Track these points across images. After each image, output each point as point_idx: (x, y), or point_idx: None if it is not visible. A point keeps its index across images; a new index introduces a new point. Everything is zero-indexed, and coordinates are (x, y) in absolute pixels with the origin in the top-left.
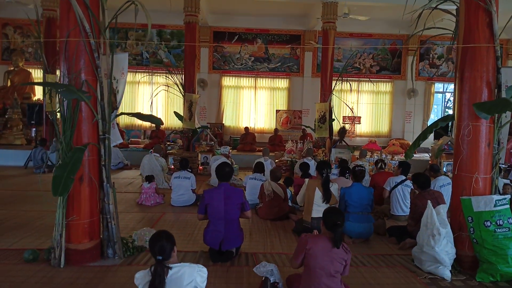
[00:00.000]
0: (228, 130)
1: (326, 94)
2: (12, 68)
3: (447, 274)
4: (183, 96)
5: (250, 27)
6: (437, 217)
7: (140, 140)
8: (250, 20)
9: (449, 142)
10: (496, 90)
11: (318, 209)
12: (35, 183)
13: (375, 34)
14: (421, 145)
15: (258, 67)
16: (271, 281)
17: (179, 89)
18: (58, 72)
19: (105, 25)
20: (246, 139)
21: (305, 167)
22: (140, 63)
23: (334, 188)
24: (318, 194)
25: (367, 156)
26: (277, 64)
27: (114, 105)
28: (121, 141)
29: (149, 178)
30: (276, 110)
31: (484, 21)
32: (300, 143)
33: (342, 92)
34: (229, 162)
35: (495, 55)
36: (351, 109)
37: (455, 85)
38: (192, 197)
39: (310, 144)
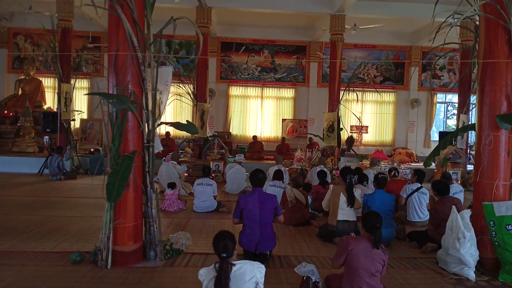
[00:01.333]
0: (235, 138)
1: (334, 104)
2: (23, 77)
3: (471, 275)
4: (195, 105)
5: (257, 38)
6: (461, 222)
7: None
8: (257, 31)
9: (454, 152)
10: None
11: (343, 213)
12: (55, 190)
13: (378, 45)
14: (424, 154)
15: (264, 77)
16: (313, 280)
17: (191, 98)
18: (72, 81)
19: (150, 40)
20: (255, 147)
21: (322, 174)
22: None
23: (357, 193)
24: (342, 198)
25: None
26: (283, 74)
27: (157, 115)
28: (162, 148)
29: (172, 185)
30: (282, 119)
31: (504, 38)
32: (308, 151)
33: (347, 102)
34: (262, 170)
35: None
36: (359, 119)
37: (476, 98)
38: (214, 204)
39: (318, 152)
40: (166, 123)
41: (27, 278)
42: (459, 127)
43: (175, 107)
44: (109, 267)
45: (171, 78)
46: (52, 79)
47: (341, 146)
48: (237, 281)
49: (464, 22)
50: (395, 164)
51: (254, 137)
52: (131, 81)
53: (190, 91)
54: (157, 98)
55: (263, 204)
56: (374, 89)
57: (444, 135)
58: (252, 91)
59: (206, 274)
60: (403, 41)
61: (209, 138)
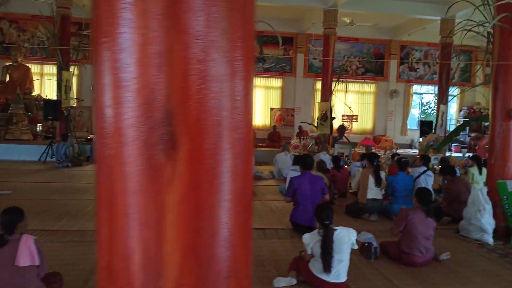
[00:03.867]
0: None
1: (327, 94)
2: (11, 63)
3: (490, 240)
4: None
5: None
6: (481, 196)
7: None
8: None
9: (435, 139)
10: None
11: (371, 192)
12: (72, 176)
13: (361, 38)
14: (405, 142)
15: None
16: (374, 246)
17: None
18: (71, 69)
19: None
20: None
21: (337, 160)
22: None
23: (382, 175)
24: (371, 180)
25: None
26: (271, 64)
27: None
28: None
29: None
30: (271, 108)
31: None
32: (298, 139)
33: (335, 92)
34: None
35: None
36: (350, 108)
37: (491, 94)
38: None
39: (312, 140)
40: None
41: None
42: (439, 116)
43: None
44: None
45: None
46: (39, 65)
47: (333, 134)
48: (338, 243)
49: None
50: (394, 150)
51: None
52: None
53: None
54: None
55: (313, 184)
56: (363, 81)
57: (424, 124)
58: (260, 81)
59: (311, 239)
60: (383, 35)
61: None
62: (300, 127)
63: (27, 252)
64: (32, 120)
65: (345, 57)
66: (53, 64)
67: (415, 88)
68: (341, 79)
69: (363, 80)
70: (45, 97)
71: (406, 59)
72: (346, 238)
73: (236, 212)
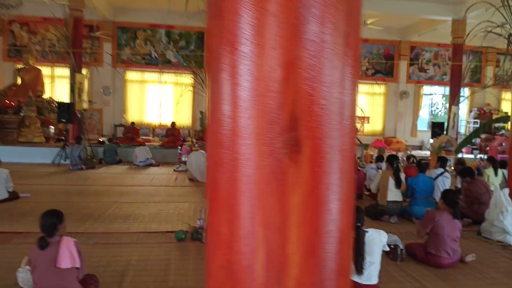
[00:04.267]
0: None
1: None
2: (22, 66)
3: None
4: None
5: None
6: (504, 198)
7: (150, 138)
8: None
9: (447, 140)
10: None
11: (391, 194)
12: (88, 179)
13: (370, 39)
14: (415, 143)
15: None
16: (400, 248)
17: (203, 88)
18: (84, 71)
19: None
20: None
21: None
22: (148, 63)
23: (402, 176)
24: (391, 181)
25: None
26: None
27: None
28: None
29: None
30: None
31: None
32: None
33: None
34: None
35: None
36: (361, 110)
37: None
38: None
39: None
40: None
41: (153, 255)
42: (451, 118)
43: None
44: None
45: None
46: (50, 68)
47: None
48: (369, 245)
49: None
50: (409, 152)
51: None
52: None
53: (202, 82)
54: None
55: None
56: (375, 82)
57: (435, 125)
58: None
59: None
60: (393, 36)
61: None
62: None
63: (68, 254)
64: (44, 122)
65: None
66: (64, 66)
67: (425, 89)
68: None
69: (375, 82)
70: (56, 100)
71: (416, 60)
72: (377, 240)
73: (345, 211)
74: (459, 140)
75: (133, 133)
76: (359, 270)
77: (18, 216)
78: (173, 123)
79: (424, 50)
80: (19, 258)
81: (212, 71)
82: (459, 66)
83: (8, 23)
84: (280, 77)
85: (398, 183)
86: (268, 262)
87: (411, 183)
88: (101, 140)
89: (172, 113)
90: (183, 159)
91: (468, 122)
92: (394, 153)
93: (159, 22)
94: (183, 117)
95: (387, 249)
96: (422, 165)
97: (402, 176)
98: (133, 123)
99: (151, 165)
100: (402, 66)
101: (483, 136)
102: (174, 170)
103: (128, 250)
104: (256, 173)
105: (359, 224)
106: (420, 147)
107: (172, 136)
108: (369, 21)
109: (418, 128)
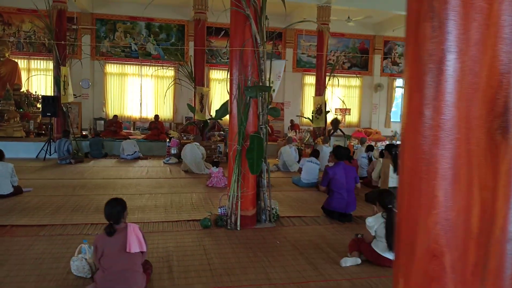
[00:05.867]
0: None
1: (321, 88)
2: None
3: None
4: (194, 89)
5: None
6: None
7: (131, 131)
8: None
9: None
10: None
11: (392, 180)
12: (82, 172)
13: (346, 33)
14: (389, 134)
15: None
16: None
17: (190, 82)
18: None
19: (264, 38)
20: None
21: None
22: (128, 55)
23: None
24: (391, 168)
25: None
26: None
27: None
28: None
29: (216, 164)
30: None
31: None
32: (297, 132)
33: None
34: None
35: None
36: (343, 102)
37: None
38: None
39: (307, 133)
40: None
41: (187, 242)
42: None
43: (157, 90)
44: (238, 229)
45: (283, 70)
46: (25, 60)
47: (327, 128)
48: None
49: None
50: (394, 142)
51: None
52: (252, 73)
53: (188, 75)
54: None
55: (347, 173)
56: (355, 75)
57: None
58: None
59: (375, 221)
60: (367, 31)
61: (208, 121)
62: (291, 121)
63: (135, 239)
64: (23, 116)
65: (332, 52)
66: (40, 59)
67: (398, 82)
68: (331, 74)
69: (356, 75)
70: (33, 93)
71: (389, 54)
72: None
73: None
74: None
75: (117, 127)
76: (392, 247)
77: (33, 210)
78: (156, 116)
79: (397, 44)
80: (57, 248)
81: (426, 69)
82: None
83: None
84: (501, 75)
85: (396, 169)
86: (482, 216)
87: None
88: (84, 133)
89: (153, 106)
90: (172, 151)
91: None
92: (373, 143)
93: (139, 15)
94: (165, 110)
95: None
96: None
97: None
98: (115, 116)
99: (138, 158)
100: (376, 60)
101: None
102: (164, 163)
103: (162, 238)
104: (476, 148)
105: (390, 206)
106: (393, 137)
107: (155, 129)
108: (354, 18)
109: (392, 119)
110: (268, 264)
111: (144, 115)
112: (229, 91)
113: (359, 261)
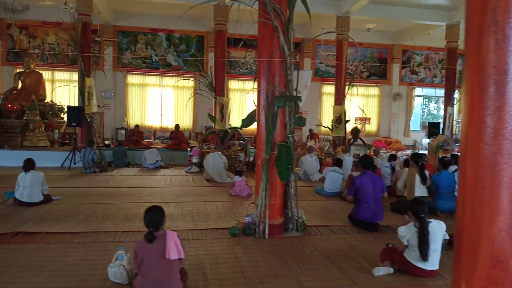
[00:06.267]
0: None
1: (341, 98)
2: (22, 70)
3: None
4: (214, 99)
5: (255, 34)
6: None
7: (152, 141)
8: (254, 27)
9: (444, 140)
10: None
11: (418, 189)
12: (109, 181)
13: (364, 43)
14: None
15: None
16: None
17: (210, 92)
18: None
19: (291, 49)
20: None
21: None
22: (149, 66)
23: (426, 173)
24: (417, 178)
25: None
26: None
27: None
28: None
29: (239, 172)
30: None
31: None
32: (317, 141)
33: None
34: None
35: None
36: (363, 111)
37: None
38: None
39: (327, 142)
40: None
41: (218, 250)
42: (446, 118)
43: (177, 100)
44: (266, 237)
45: (310, 80)
46: (50, 72)
47: (346, 137)
48: (433, 234)
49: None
50: (417, 151)
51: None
52: (280, 83)
53: (208, 86)
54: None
55: (375, 183)
56: (375, 84)
57: (432, 126)
58: (250, 85)
59: (407, 231)
60: (386, 40)
61: (228, 131)
62: (310, 130)
63: (174, 246)
64: (48, 126)
65: (350, 61)
66: (64, 70)
67: (417, 91)
68: (350, 83)
69: (376, 85)
70: (57, 104)
71: (407, 63)
72: (439, 229)
73: None
74: None
75: (138, 136)
76: (425, 257)
77: (64, 217)
78: (177, 126)
79: (416, 53)
80: (92, 255)
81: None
82: (454, 69)
83: (7, 27)
84: None
85: (423, 179)
86: None
87: (435, 180)
88: (106, 143)
89: (173, 116)
90: (194, 160)
91: (457, 122)
92: (394, 152)
93: (160, 27)
94: (184, 120)
95: (447, 237)
96: (445, 162)
97: (427, 172)
98: (137, 125)
99: (160, 167)
100: (395, 69)
101: None
102: (186, 172)
103: (193, 246)
104: None
105: (423, 215)
106: (413, 147)
107: (176, 138)
108: (369, 26)
109: (411, 129)
110: (300, 273)
111: (164, 125)
112: (256, 101)
113: (391, 270)
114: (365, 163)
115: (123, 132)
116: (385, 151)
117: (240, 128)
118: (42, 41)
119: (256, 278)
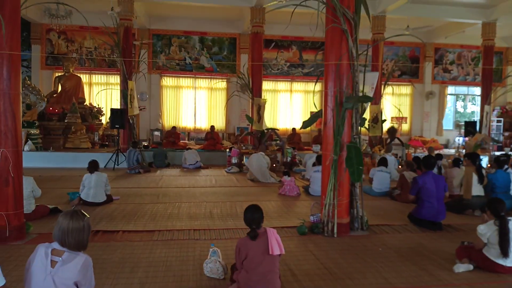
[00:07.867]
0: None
1: (377, 97)
2: (62, 73)
3: None
4: (252, 100)
5: (286, 34)
6: None
7: (186, 142)
8: (285, 28)
9: (482, 139)
10: None
11: (475, 189)
12: (159, 181)
13: (397, 42)
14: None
15: (293, 72)
16: None
17: (244, 93)
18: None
19: (357, 52)
20: (294, 139)
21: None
22: (183, 69)
23: (484, 172)
24: (475, 177)
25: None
26: (310, 69)
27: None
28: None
29: (287, 173)
30: (310, 112)
31: None
32: None
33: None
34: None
35: None
36: (399, 110)
37: None
38: None
39: (365, 142)
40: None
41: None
42: (483, 116)
43: (210, 102)
44: (335, 236)
45: (376, 81)
46: (88, 75)
47: (382, 136)
48: None
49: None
50: (462, 151)
51: (294, 129)
52: (348, 85)
53: (247, 87)
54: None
55: (437, 182)
56: (410, 83)
57: (468, 125)
58: (282, 85)
59: (487, 229)
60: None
61: (265, 131)
62: None
63: (276, 242)
64: (88, 128)
65: (396, 61)
66: (101, 73)
67: (449, 89)
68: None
69: (411, 83)
70: (96, 106)
71: (440, 61)
72: None
73: None
74: None
75: (175, 137)
76: (505, 253)
77: (132, 216)
78: (212, 127)
79: (448, 51)
80: (176, 252)
81: None
82: (490, 67)
83: (46, 32)
84: None
85: (481, 179)
86: None
87: (491, 179)
88: (145, 144)
89: (207, 117)
90: (233, 161)
91: (491, 121)
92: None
93: (193, 29)
94: (218, 121)
95: None
96: (500, 161)
97: (484, 172)
98: (174, 127)
99: (200, 167)
100: (427, 68)
101: (506, 133)
102: (226, 172)
103: None
104: None
105: (503, 214)
106: (446, 146)
107: (211, 139)
108: (412, 27)
109: (444, 127)
110: (382, 269)
111: (198, 126)
112: (323, 103)
113: (471, 267)
114: (427, 163)
115: (157, 133)
116: (421, 151)
117: (302, 128)
118: (79, 46)
119: (341, 274)
